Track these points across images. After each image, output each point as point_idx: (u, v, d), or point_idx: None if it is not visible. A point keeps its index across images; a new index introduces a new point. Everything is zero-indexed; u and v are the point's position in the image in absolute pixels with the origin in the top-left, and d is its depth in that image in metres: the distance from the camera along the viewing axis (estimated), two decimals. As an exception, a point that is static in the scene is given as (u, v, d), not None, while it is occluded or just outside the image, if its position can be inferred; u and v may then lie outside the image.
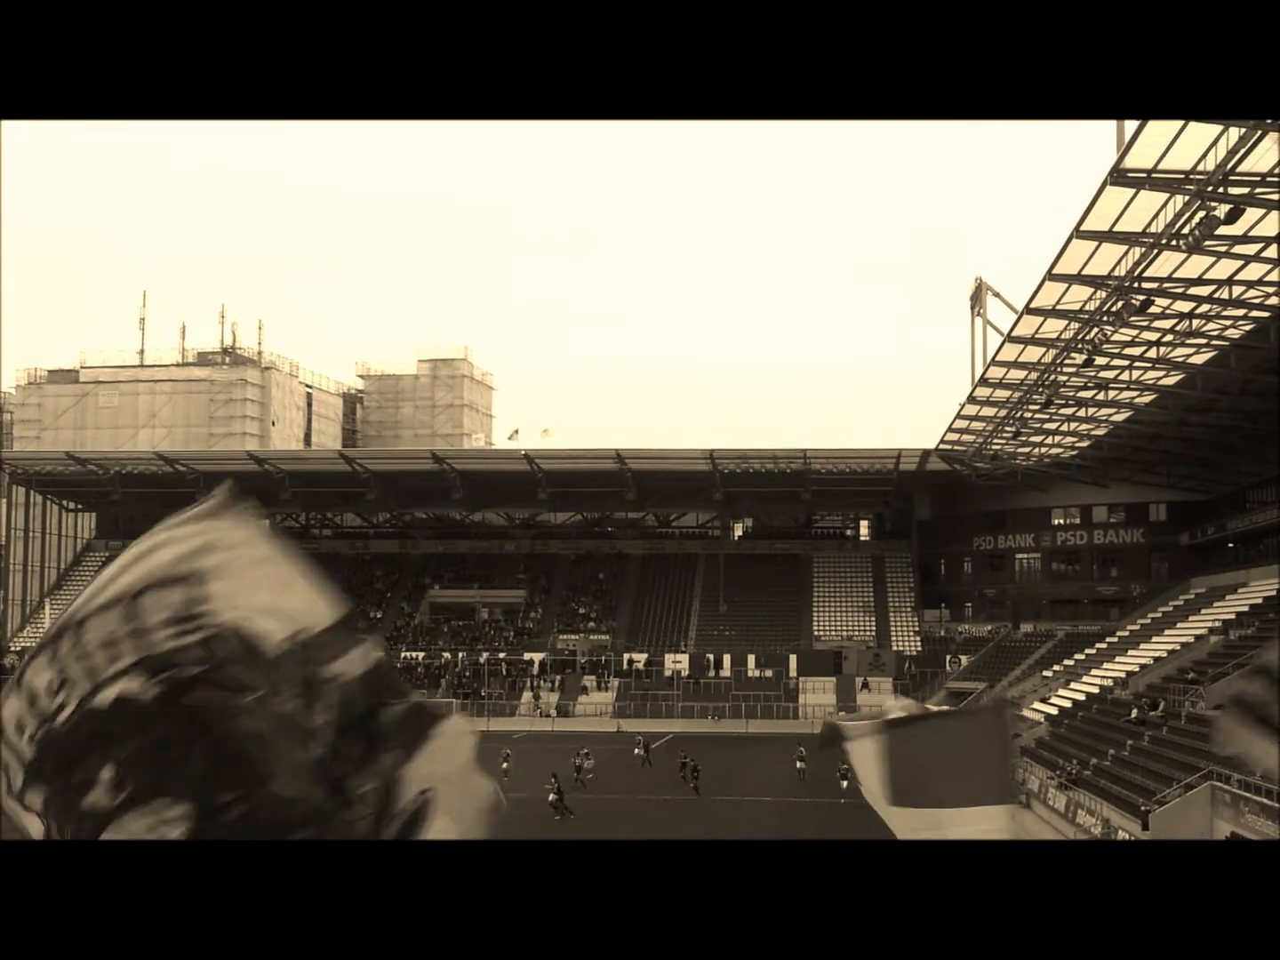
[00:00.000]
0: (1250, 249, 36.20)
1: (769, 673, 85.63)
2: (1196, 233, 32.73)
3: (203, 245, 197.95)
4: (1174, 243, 34.72)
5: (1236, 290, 40.35)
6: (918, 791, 4.81)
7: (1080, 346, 46.50)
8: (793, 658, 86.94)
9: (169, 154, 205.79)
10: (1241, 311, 42.83)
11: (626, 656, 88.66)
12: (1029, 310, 45.17)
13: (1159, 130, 29.14)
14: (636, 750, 57.20)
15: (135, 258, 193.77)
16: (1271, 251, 36.09)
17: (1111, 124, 31.48)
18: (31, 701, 3.04)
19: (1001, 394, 59.00)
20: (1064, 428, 67.39)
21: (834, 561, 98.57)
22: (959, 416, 66.57)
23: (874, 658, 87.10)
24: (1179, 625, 63.44)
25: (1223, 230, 32.66)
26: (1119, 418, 63.39)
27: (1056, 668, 71.05)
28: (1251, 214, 32.58)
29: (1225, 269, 38.72)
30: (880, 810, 4.95)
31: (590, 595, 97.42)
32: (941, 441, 74.71)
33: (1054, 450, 74.10)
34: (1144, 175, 31.97)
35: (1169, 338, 46.53)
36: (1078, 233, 36.39)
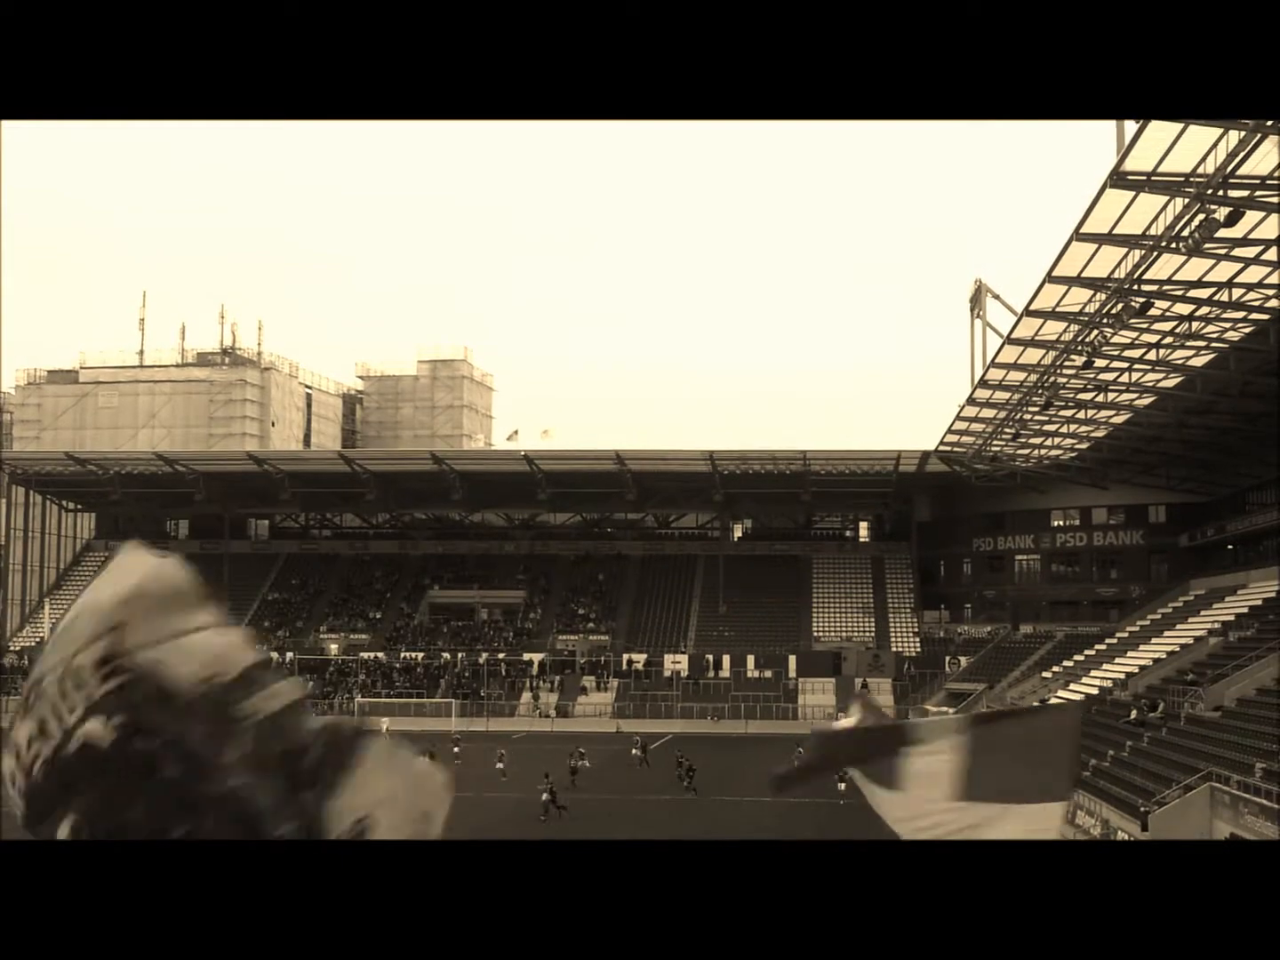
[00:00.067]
0: (1250, 252, 36.20)
1: (768, 673, 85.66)
2: (1196, 235, 32.73)
3: (203, 245, 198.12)
4: (1174, 245, 34.73)
5: (1236, 293, 40.36)
6: (989, 786, 4.82)
7: (1080, 348, 46.51)
8: (792, 658, 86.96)
9: (169, 154, 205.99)
10: (1241, 314, 42.85)
11: (626, 657, 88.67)
12: (1029, 312, 45.18)
13: (1159, 133, 29.15)
14: (634, 751, 57.21)
15: (135, 258, 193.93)
16: (1271, 254, 36.09)
17: (1112, 126, 31.48)
18: (17, 756, 3.09)
19: (1001, 396, 59.02)
20: (1063, 429, 67.42)
21: (833, 562, 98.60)
22: (958, 418, 66.59)
23: (873, 659, 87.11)
24: (1178, 627, 63.46)
25: (1222, 233, 32.66)
26: (1118, 420, 63.41)
27: (1056, 669, 71.05)
28: (1251, 217, 32.59)
29: (1225, 271, 38.73)
30: (920, 805, 4.91)
31: (590, 596, 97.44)
32: (941, 443, 74.75)
33: (1053, 452, 74.13)
34: (1144, 178, 31.98)
35: (1169, 340, 46.55)
36: (1078, 235, 36.40)
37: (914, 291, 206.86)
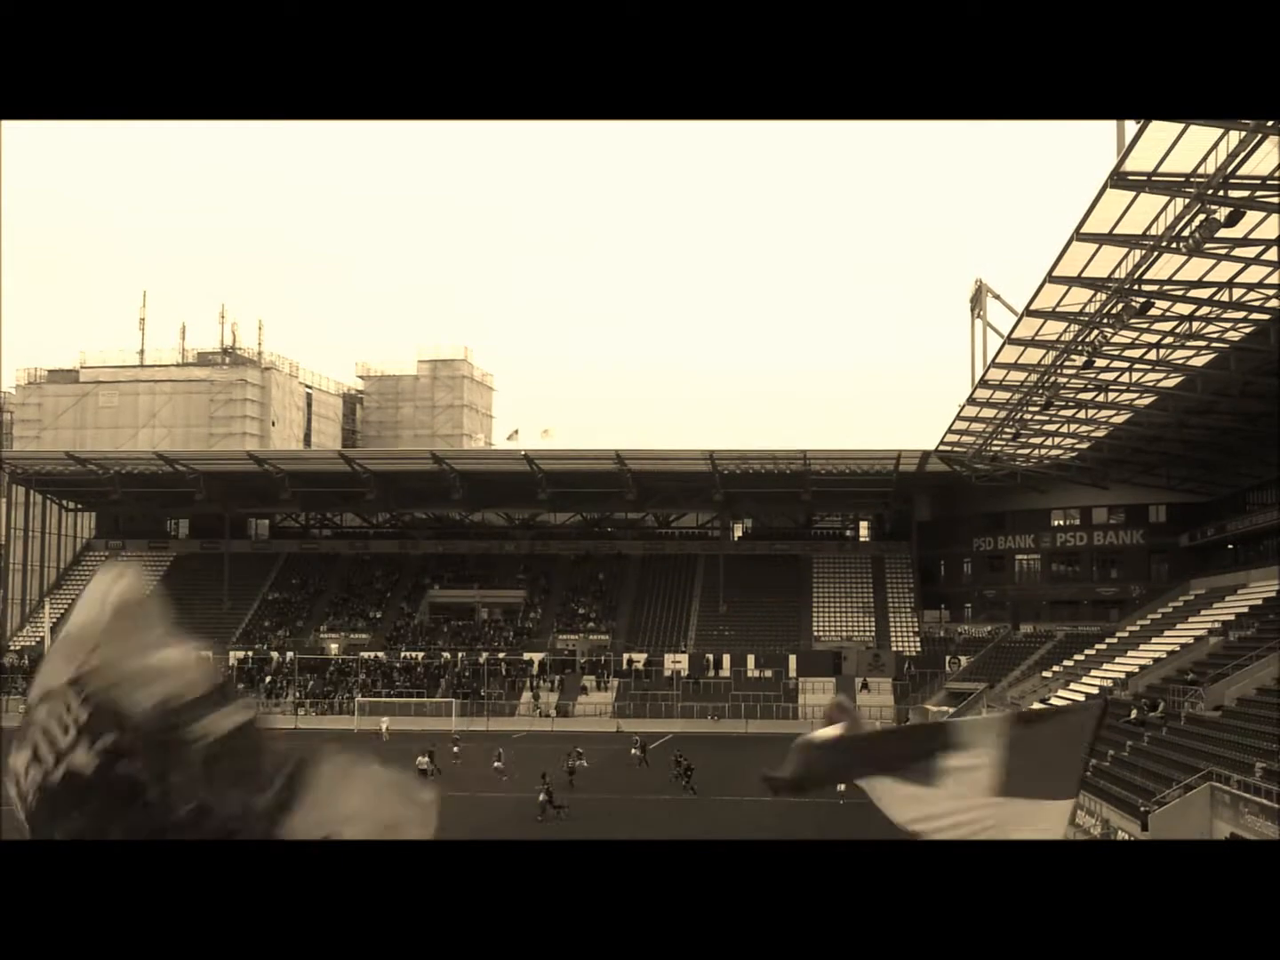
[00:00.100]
0: (1250, 252, 36.19)
1: (768, 673, 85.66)
2: (1197, 235, 32.73)
3: (203, 245, 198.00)
4: (1174, 245, 34.72)
5: (1236, 293, 40.35)
6: (1025, 783, 4.83)
7: (1080, 348, 46.51)
8: (792, 658, 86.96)
9: (169, 154, 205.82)
10: (1241, 314, 42.84)
11: (626, 657, 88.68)
12: (1029, 312, 45.17)
13: (1159, 133, 29.14)
14: (634, 750, 57.21)
15: (135, 258, 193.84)
16: (1272, 254, 36.08)
17: (1112, 126, 31.47)
18: (17, 784, 3.22)
19: (1001, 395, 59.01)
20: (1064, 429, 67.41)
21: (834, 562, 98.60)
22: (959, 418, 66.59)
23: (873, 658, 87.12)
24: (1178, 626, 63.45)
25: (1223, 233, 32.66)
26: (1119, 419, 63.40)
27: (1056, 668, 71.04)
28: (1252, 217, 32.58)
29: (1225, 271, 38.72)
30: (955, 801, 4.88)
31: (590, 595, 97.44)
32: (941, 442, 74.75)
33: (1054, 452, 74.12)
34: (1144, 178, 31.97)
35: (1169, 340, 46.54)
36: (1078, 235, 36.39)
37: (914, 291, 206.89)
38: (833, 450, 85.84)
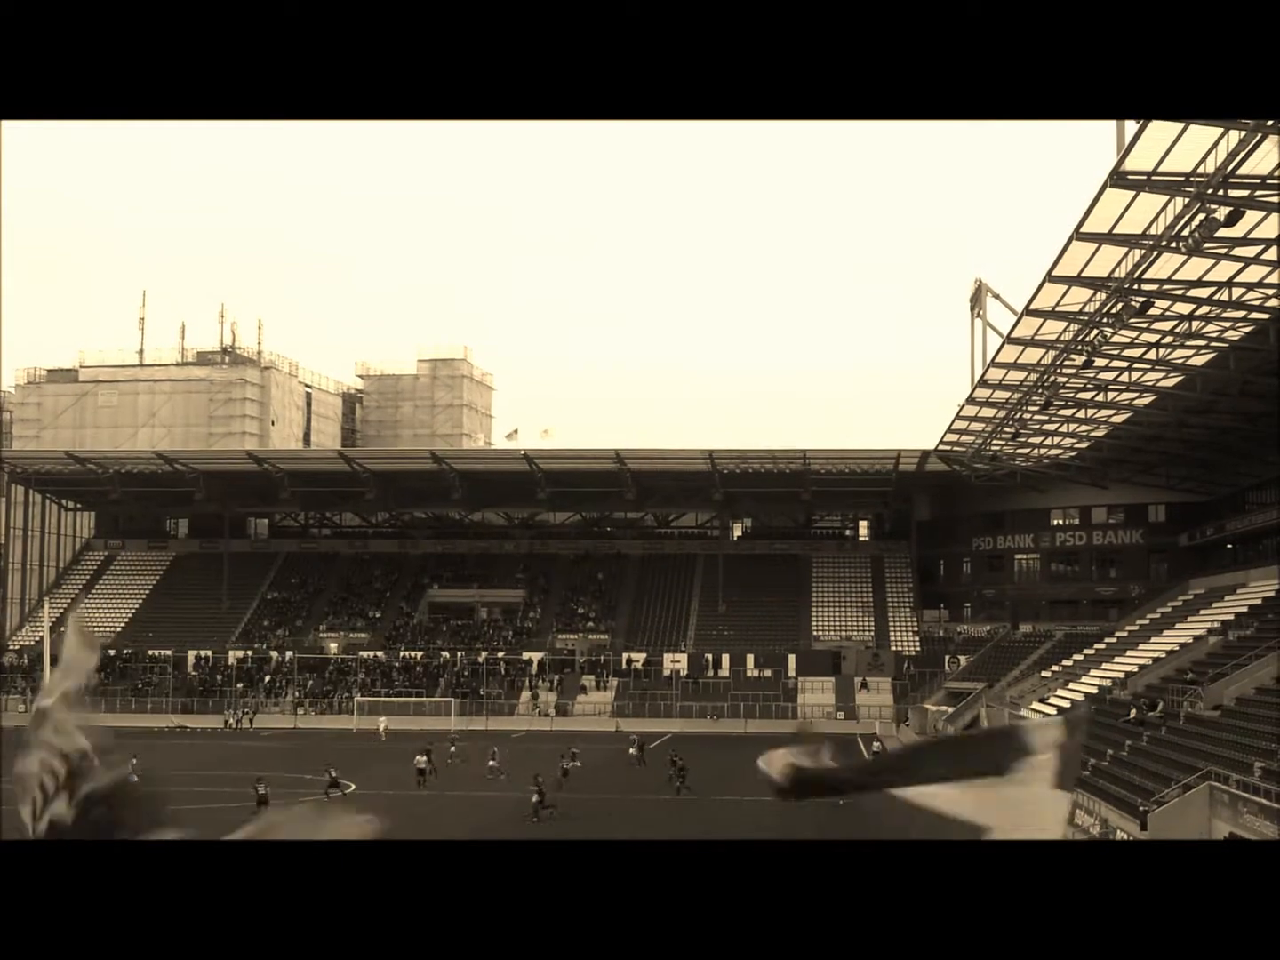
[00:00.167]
0: (1250, 251, 36.18)
1: (768, 673, 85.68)
2: (1196, 235, 32.72)
3: (203, 245, 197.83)
4: (1174, 245, 34.71)
5: (1236, 292, 40.34)
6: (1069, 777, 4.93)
7: (1080, 348, 46.49)
8: (791, 658, 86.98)
9: (169, 154, 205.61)
10: (1241, 313, 42.82)
11: (625, 656, 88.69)
12: (1029, 312, 45.17)
13: (1159, 132, 29.14)
14: (631, 750, 57.20)
15: (135, 258, 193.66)
16: (1271, 254, 36.08)
17: (1112, 125, 31.48)
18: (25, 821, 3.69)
19: (1001, 395, 59.01)
20: (1063, 429, 67.41)
21: (833, 562, 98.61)
22: (958, 417, 66.59)
23: (873, 658, 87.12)
24: (1178, 626, 63.44)
25: (1223, 232, 32.65)
26: (1118, 419, 63.40)
27: (1055, 668, 71.03)
28: (1251, 216, 32.57)
29: (1225, 271, 38.71)
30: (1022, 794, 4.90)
31: (589, 595, 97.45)
32: (941, 442, 74.76)
33: (1053, 451, 74.11)
34: (1144, 177, 31.97)
35: (1168, 339, 46.53)
36: (1078, 234, 36.39)
37: (914, 291, 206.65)
38: (832, 450, 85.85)
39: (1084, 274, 39.96)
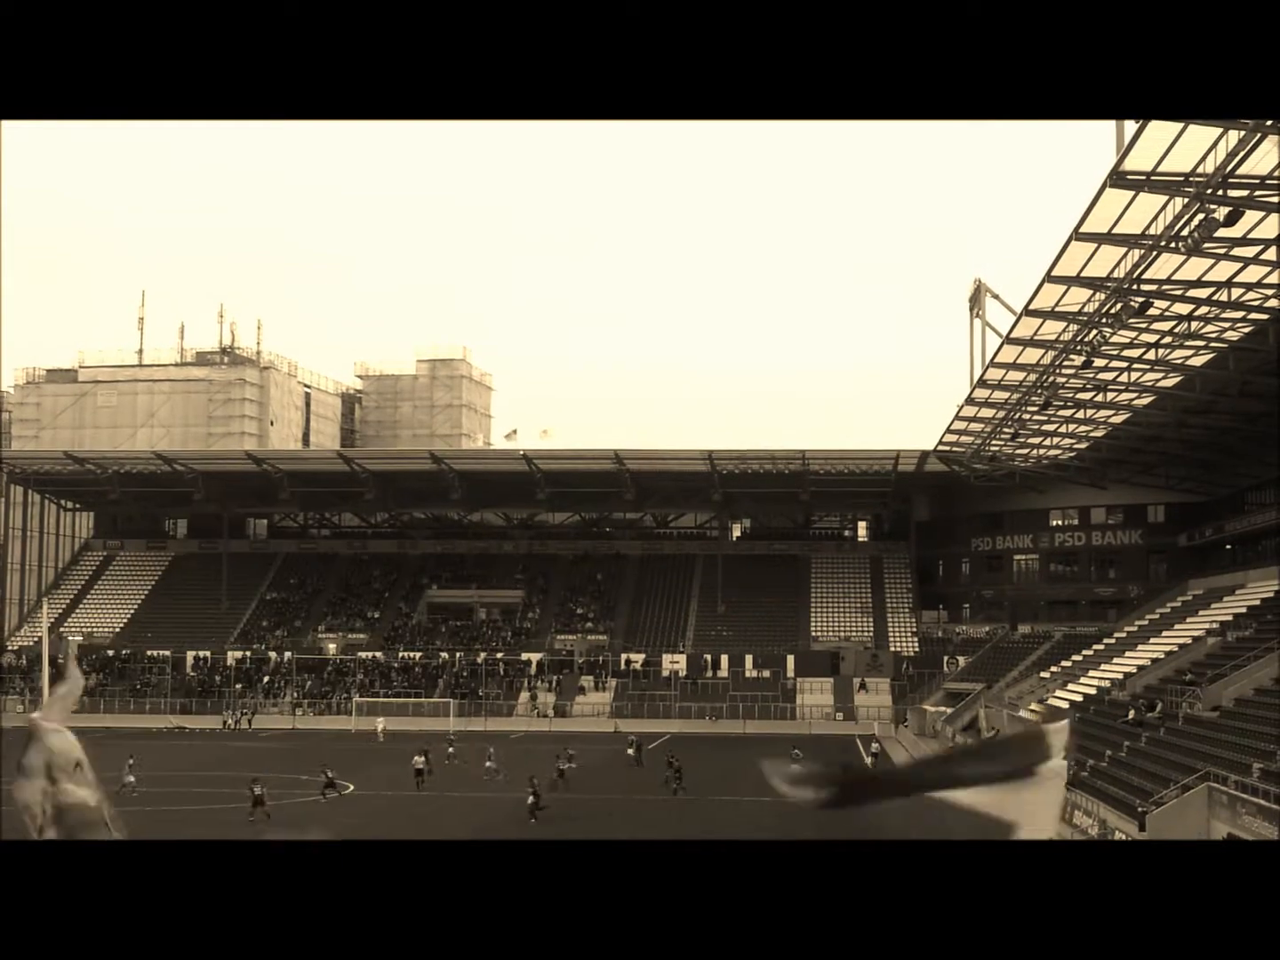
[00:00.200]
0: (1249, 251, 36.19)
1: (766, 673, 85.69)
2: (1196, 235, 32.72)
3: (202, 245, 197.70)
4: (1173, 245, 34.71)
5: (1235, 292, 40.34)
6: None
7: (1079, 348, 46.49)
8: (790, 658, 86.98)
9: (169, 154, 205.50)
10: (1240, 314, 42.83)
11: (624, 657, 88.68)
12: (1028, 312, 45.16)
13: (1159, 132, 29.14)
14: (629, 750, 57.18)
15: (135, 258, 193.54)
16: (1271, 254, 36.08)
17: (1111, 125, 31.48)
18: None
19: (1000, 395, 59.01)
20: (1062, 429, 67.41)
21: (832, 562, 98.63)
22: (957, 418, 66.60)
23: (872, 658, 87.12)
24: (1177, 627, 63.45)
25: (1222, 233, 32.65)
26: (1117, 419, 63.40)
27: (1054, 669, 71.04)
28: (1251, 216, 32.57)
29: (1224, 271, 38.71)
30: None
31: (588, 595, 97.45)
32: (940, 443, 74.77)
33: (1052, 452, 74.13)
34: (1143, 177, 31.97)
35: (1168, 340, 46.52)
36: (1077, 234, 36.38)
37: (914, 291, 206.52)
38: (831, 450, 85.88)
39: (1083, 274, 39.96)
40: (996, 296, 58.86)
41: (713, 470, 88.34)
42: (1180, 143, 29.62)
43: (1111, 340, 45.61)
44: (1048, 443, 71.31)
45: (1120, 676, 58.13)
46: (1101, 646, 70.12)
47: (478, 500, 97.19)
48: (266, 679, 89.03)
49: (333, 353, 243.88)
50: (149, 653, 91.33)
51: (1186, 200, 32.23)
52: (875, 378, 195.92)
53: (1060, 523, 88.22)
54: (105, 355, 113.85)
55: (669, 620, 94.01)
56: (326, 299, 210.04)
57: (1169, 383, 54.23)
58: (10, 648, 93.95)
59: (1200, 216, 32.02)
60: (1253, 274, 38.61)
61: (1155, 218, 34.39)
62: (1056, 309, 44.16)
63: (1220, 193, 31.09)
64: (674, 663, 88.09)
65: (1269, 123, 26.82)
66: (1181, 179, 31.69)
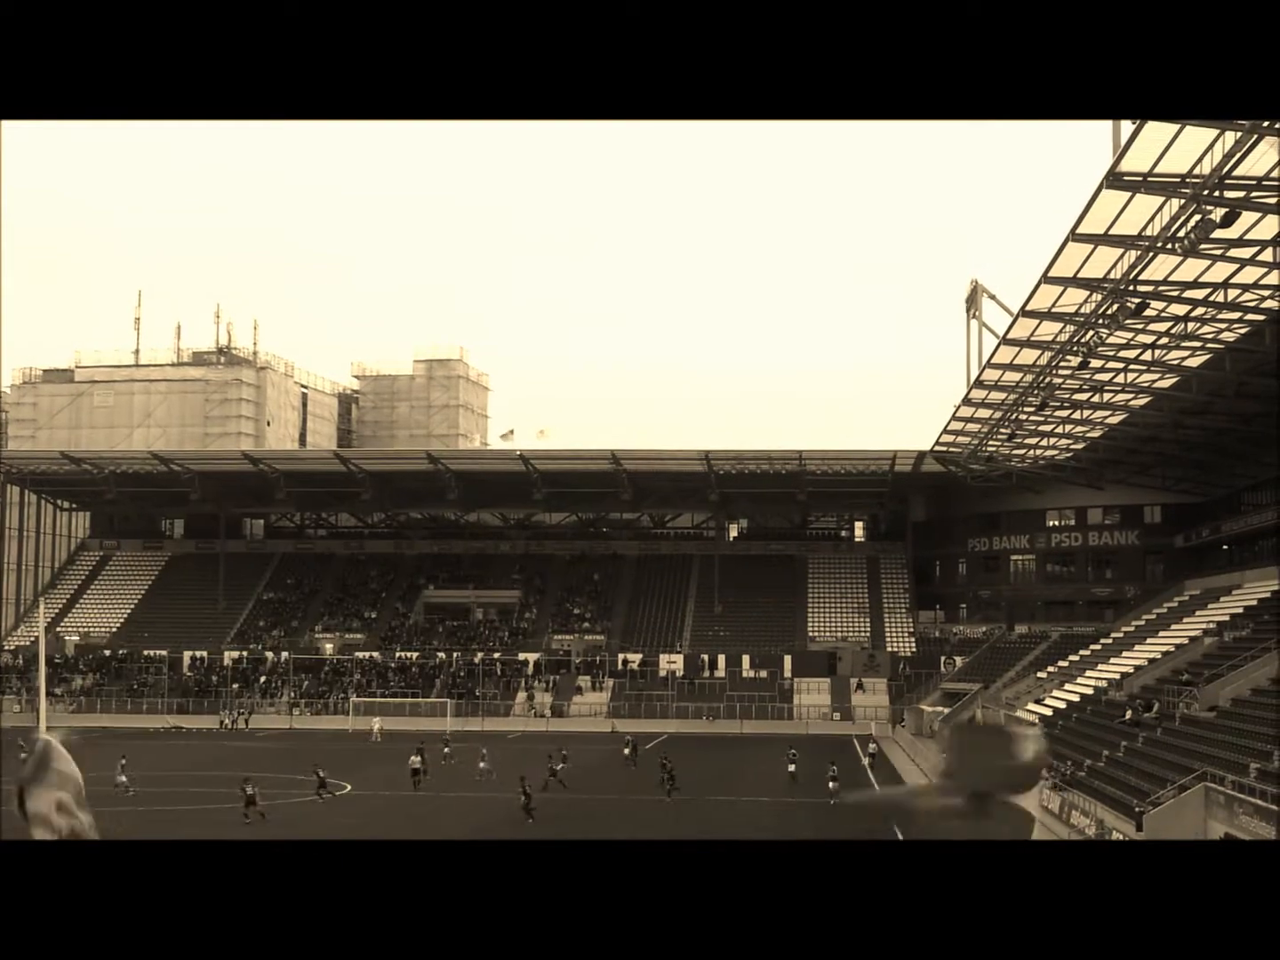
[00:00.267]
0: (1246, 252, 36.22)
1: (764, 673, 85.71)
2: (1192, 236, 32.73)
3: (202, 245, 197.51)
4: (1170, 246, 34.73)
5: (1232, 293, 40.37)
6: None
7: (1076, 349, 46.52)
8: (787, 658, 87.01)
9: (169, 154, 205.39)
10: (1237, 315, 42.87)
11: (621, 657, 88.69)
12: (1024, 313, 45.19)
13: (1155, 133, 29.16)
14: (625, 751, 57.19)
15: (134, 258, 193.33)
16: (1267, 255, 36.11)
17: (1108, 126, 31.49)
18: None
19: (997, 396, 59.05)
20: (1059, 430, 67.46)
21: (829, 562, 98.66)
22: (954, 418, 66.64)
23: (868, 659, 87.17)
24: (1173, 627, 63.50)
25: (1218, 234, 32.67)
26: (1114, 420, 63.45)
27: (1051, 669, 71.11)
28: (1248, 217, 32.59)
29: (1221, 272, 38.75)
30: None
31: (585, 596, 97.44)
32: (937, 443, 74.82)
33: (1049, 452, 74.17)
34: (1140, 179, 31.99)
35: (1164, 340, 46.55)
36: (1074, 235, 36.40)
37: (913, 291, 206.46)
38: (828, 450, 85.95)
39: (1080, 275, 39.98)
40: (993, 297, 58.89)
41: (710, 470, 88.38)
42: (1177, 144, 29.65)
43: (1108, 341, 45.63)
44: (1044, 443, 71.35)
45: (1117, 677, 58.16)
46: (1098, 647, 70.18)
47: (474, 500, 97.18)
48: (263, 679, 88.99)
49: (331, 353, 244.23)
50: (146, 653, 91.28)
51: (1183, 201, 32.24)
52: (874, 378, 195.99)
53: (1057, 523, 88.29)
54: (102, 355, 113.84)
55: (666, 620, 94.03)
56: (325, 299, 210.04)
57: (1166, 383, 54.26)
58: (7, 648, 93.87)
59: (1197, 217, 32.04)
60: (1249, 275, 38.64)
61: (1152, 219, 34.41)
62: (1053, 310, 44.19)
63: (1217, 194, 31.11)
64: (671, 663, 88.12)
65: (1266, 124, 26.85)
66: (1178, 180, 31.71)
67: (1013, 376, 54.60)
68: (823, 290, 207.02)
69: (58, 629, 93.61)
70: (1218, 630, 56.31)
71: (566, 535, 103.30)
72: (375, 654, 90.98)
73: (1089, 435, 68.70)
